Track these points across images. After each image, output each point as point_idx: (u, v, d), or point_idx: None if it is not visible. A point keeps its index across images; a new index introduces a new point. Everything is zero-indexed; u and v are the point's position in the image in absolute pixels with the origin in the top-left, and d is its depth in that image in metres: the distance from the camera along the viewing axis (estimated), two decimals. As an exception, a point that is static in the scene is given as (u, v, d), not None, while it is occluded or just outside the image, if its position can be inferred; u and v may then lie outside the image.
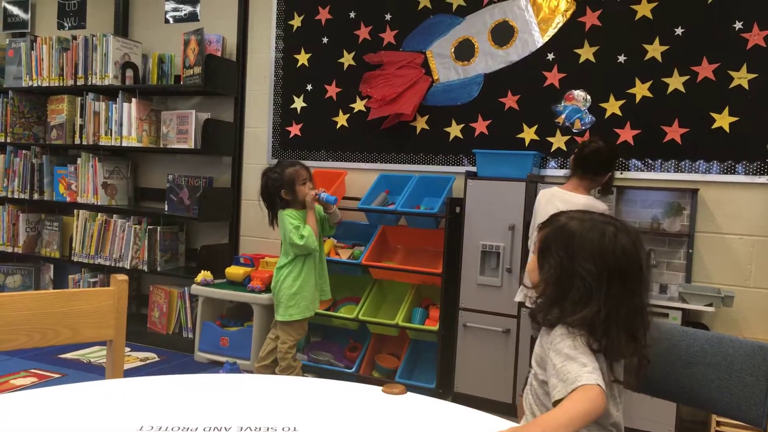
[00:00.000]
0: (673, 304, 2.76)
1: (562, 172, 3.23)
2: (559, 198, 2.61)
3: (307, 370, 3.45)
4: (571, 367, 1.17)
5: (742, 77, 2.93)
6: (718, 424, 2.65)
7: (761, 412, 1.25)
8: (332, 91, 3.88)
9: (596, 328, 1.23)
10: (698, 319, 2.94)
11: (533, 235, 2.72)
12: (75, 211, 4.35)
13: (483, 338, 3.06)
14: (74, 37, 4.32)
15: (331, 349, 3.56)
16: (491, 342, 3.05)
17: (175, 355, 3.84)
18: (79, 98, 4.34)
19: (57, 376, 3.31)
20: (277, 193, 2.91)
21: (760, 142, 2.90)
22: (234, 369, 3.28)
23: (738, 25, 2.93)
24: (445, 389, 3.21)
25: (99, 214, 4.29)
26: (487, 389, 2.93)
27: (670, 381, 1.40)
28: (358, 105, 3.80)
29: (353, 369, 3.38)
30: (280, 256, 2.99)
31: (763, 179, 2.90)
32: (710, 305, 2.71)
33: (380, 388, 1.15)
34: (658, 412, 2.72)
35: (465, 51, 3.51)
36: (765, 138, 2.89)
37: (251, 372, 3.31)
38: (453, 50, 3.54)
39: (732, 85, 2.94)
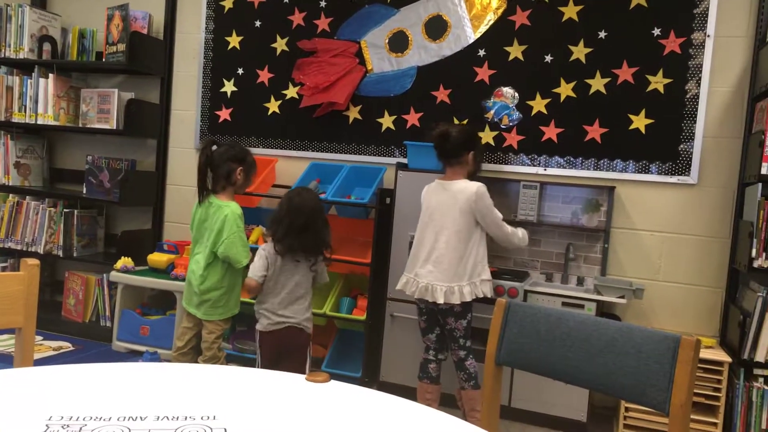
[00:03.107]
0: (589, 295, 2.89)
1: (490, 167, 3.32)
2: (435, 188, 2.73)
3: (231, 360, 3.40)
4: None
5: (658, 81, 3.09)
6: (627, 409, 2.80)
7: (665, 397, 1.32)
8: (264, 76, 3.81)
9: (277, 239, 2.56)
10: (611, 310, 3.10)
11: (427, 230, 2.74)
12: (-17, 191, 4.08)
13: (410, 328, 3.10)
14: (-15, 6, 4.03)
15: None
16: (417, 331, 3.10)
17: (91, 344, 3.68)
18: (-10, 71, 4.06)
19: (-41, 366, 3.11)
20: (231, 170, 2.72)
21: (673, 144, 3.07)
22: (154, 358, 3.19)
23: (656, 31, 3.08)
24: (370, 378, 3.24)
25: (10, 195, 4.05)
26: (411, 378, 2.97)
27: (583, 369, 1.46)
28: (291, 92, 3.75)
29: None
30: (206, 251, 2.75)
31: (674, 179, 3.08)
32: (622, 297, 2.86)
33: (303, 376, 1.15)
34: (571, 398, 2.85)
35: (399, 43, 3.53)
36: (677, 140, 3.07)
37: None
38: (387, 41, 3.55)
39: (649, 89, 3.10)
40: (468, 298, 2.60)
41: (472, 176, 2.76)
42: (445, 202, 2.66)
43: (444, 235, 2.64)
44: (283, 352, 2.64)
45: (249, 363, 3.35)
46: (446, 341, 2.77)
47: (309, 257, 2.60)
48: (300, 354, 2.64)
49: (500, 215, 2.69)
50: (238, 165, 2.75)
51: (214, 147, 2.77)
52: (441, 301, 2.59)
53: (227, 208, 2.70)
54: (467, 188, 2.64)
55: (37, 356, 3.35)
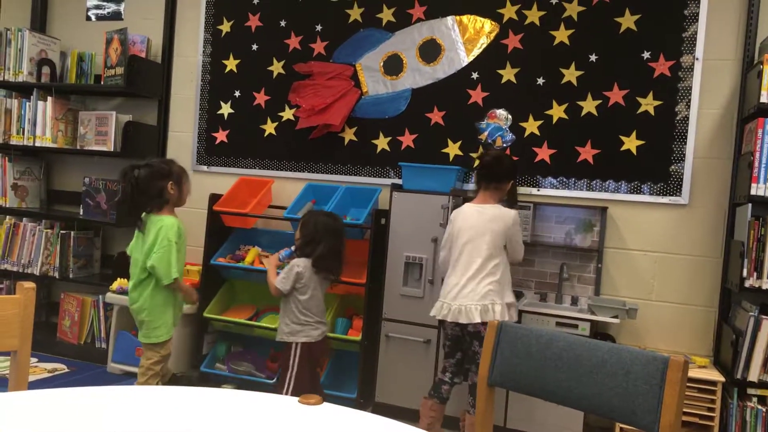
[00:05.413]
0: (582, 315, 2.90)
1: (483, 188, 3.35)
2: (468, 212, 2.72)
3: (227, 381, 3.39)
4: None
5: (648, 104, 3.13)
6: (622, 430, 2.80)
7: (654, 418, 1.34)
8: (261, 98, 3.85)
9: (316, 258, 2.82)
10: (605, 330, 3.11)
11: (446, 248, 2.77)
12: (-20, 213, 4.10)
13: (405, 348, 3.11)
14: (-15, 30, 4.09)
15: (252, 359, 3.51)
16: (412, 352, 3.10)
17: (86, 366, 3.67)
18: (-11, 94, 4.10)
19: (-46, 388, 3.09)
20: (161, 187, 2.61)
21: (664, 164, 3.11)
22: (150, 380, 3.17)
23: (646, 54, 3.14)
24: (366, 399, 3.24)
25: (7, 216, 4.07)
26: (407, 398, 2.97)
27: (573, 389, 1.47)
28: (287, 114, 3.79)
29: (274, 380, 3.34)
30: (137, 267, 2.70)
31: (665, 199, 3.11)
32: (616, 317, 2.87)
33: (297, 398, 1.16)
34: (566, 418, 2.85)
35: (394, 66, 3.58)
36: (668, 161, 3.11)
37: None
38: (382, 64, 3.60)
39: (639, 111, 3.15)
40: (499, 317, 2.58)
41: (506, 205, 2.77)
42: (482, 226, 2.66)
43: (481, 257, 2.64)
44: (318, 360, 2.93)
45: (245, 385, 3.35)
46: (464, 366, 2.76)
47: (334, 275, 2.91)
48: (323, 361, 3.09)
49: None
50: (167, 180, 2.63)
51: (137, 171, 2.63)
52: (478, 320, 2.56)
53: (164, 221, 2.60)
54: (507, 213, 2.68)
55: (31, 378, 3.34)
